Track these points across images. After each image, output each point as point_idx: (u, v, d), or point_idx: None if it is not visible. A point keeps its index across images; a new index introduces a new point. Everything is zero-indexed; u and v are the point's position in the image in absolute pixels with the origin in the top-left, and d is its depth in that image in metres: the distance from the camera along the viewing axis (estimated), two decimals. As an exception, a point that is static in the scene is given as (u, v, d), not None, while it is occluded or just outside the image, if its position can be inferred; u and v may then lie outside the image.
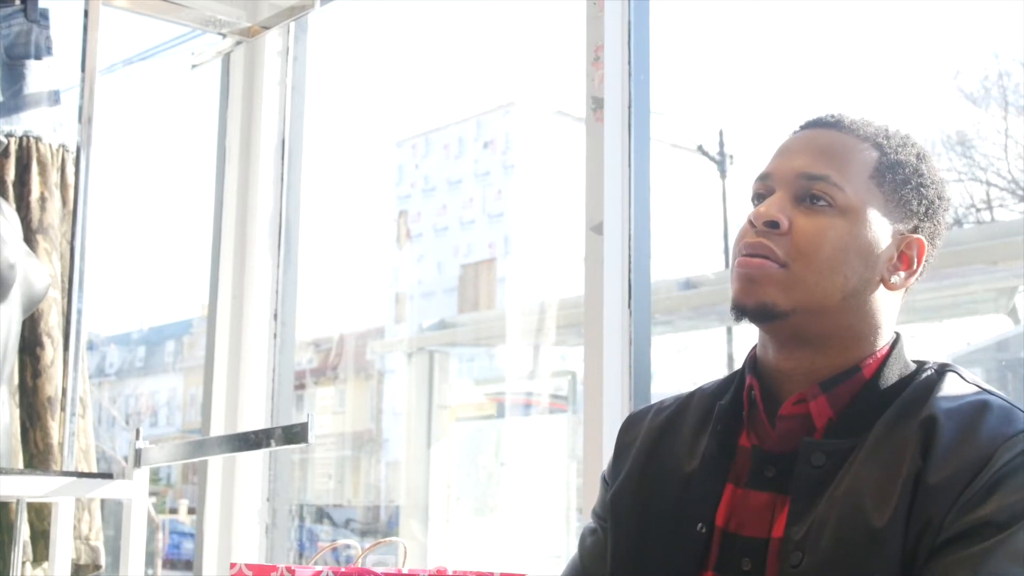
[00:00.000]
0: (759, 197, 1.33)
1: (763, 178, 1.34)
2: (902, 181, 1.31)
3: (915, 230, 1.32)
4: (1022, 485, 1.15)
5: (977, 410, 1.21)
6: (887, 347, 1.31)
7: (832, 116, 1.36)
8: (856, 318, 1.29)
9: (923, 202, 1.32)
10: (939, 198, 1.34)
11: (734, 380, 1.40)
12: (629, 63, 2.29)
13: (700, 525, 1.30)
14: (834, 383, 1.28)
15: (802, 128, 1.37)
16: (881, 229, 1.29)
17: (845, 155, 1.30)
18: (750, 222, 1.31)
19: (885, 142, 1.33)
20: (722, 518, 1.30)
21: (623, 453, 1.45)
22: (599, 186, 2.24)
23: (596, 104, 2.26)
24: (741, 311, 1.30)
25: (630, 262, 2.24)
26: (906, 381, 1.28)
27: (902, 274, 1.31)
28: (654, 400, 1.55)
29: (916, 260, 1.32)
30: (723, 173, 10.70)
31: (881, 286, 1.30)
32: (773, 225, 1.28)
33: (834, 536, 1.19)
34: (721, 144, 10.75)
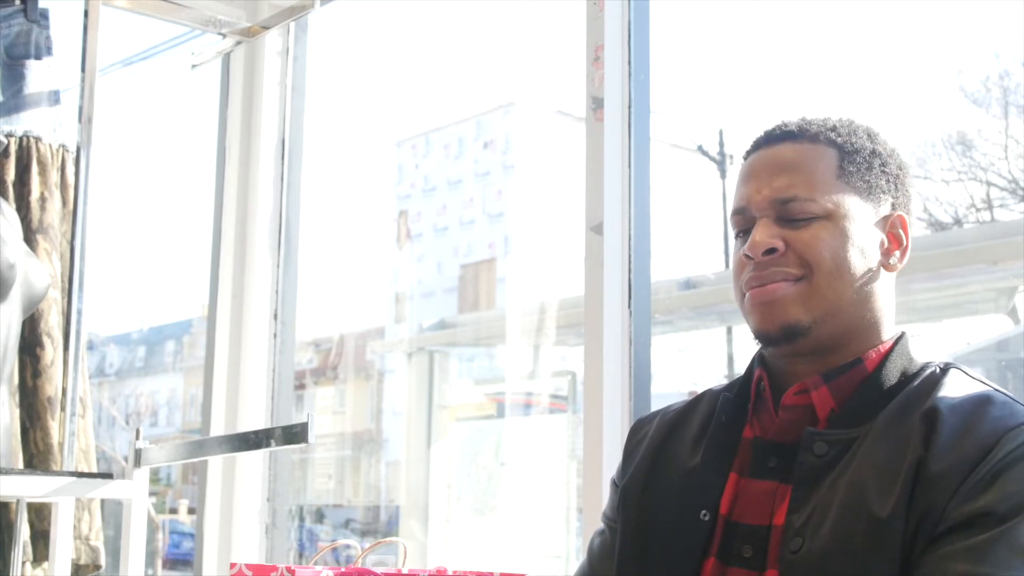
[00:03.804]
0: (743, 232, 1.36)
1: (739, 212, 1.37)
2: (866, 167, 1.35)
3: (893, 207, 1.36)
4: (1023, 476, 1.16)
5: (979, 403, 1.23)
6: (890, 342, 1.33)
7: (779, 128, 1.38)
8: (866, 308, 1.33)
9: (889, 179, 1.36)
10: (900, 168, 1.38)
11: (741, 379, 1.42)
12: (629, 63, 2.29)
13: (704, 513, 1.33)
14: (836, 374, 1.31)
15: (756, 148, 1.39)
16: (865, 219, 1.33)
17: (807, 165, 1.33)
18: (746, 256, 1.33)
19: (836, 136, 1.36)
20: (726, 506, 1.33)
21: (632, 454, 1.48)
22: (599, 186, 2.24)
23: (596, 104, 2.26)
24: (766, 338, 1.33)
25: (630, 262, 2.24)
26: (910, 378, 1.30)
27: (897, 253, 1.36)
28: (654, 400, 1.57)
29: (904, 236, 1.36)
30: (723, 173, 10.71)
31: (882, 270, 1.34)
32: (771, 251, 1.31)
33: (835, 523, 1.21)
34: (721, 144, 10.75)
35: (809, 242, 1.30)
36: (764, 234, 1.32)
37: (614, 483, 1.50)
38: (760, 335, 1.33)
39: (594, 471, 2.16)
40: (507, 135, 13.50)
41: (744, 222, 1.36)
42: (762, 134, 1.40)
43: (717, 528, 1.32)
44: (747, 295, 1.34)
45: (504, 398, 9.04)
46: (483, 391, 9.46)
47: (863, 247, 1.31)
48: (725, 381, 1.47)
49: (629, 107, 2.28)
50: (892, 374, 1.30)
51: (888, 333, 1.34)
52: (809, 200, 1.31)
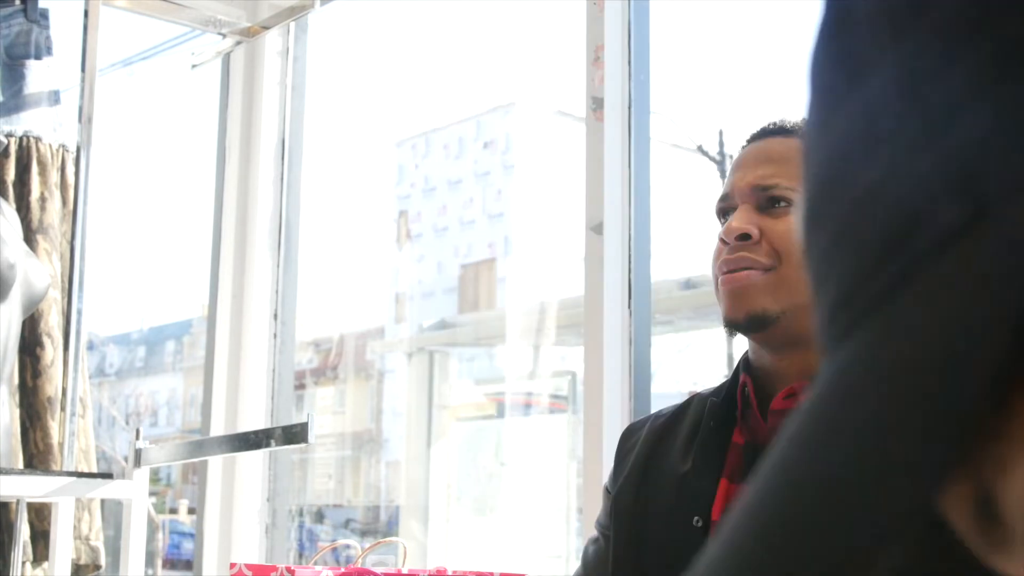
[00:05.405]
0: (724, 214, 1.38)
1: (723, 199, 1.38)
2: None
3: None
4: None
5: None
6: None
7: (773, 124, 1.40)
8: None
9: None
10: None
11: (728, 383, 1.42)
12: (629, 63, 2.29)
13: (696, 519, 1.33)
14: None
15: (749, 142, 1.41)
16: None
17: (793, 158, 1.34)
18: (722, 240, 1.35)
19: None
20: (718, 512, 1.33)
21: (623, 460, 1.48)
22: (599, 186, 2.24)
23: (596, 104, 2.26)
24: (734, 325, 1.34)
25: (630, 262, 2.24)
26: None
27: None
28: (654, 400, 1.57)
29: None
30: (723, 173, 10.70)
31: None
32: (745, 237, 1.32)
33: None
34: (721, 144, 10.76)
35: (783, 233, 1.31)
36: (741, 220, 1.33)
37: (607, 490, 1.51)
38: (728, 322, 1.34)
39: (594, 471, 2.15)
40: (507, 135, 13.50)
41: (726, 207, 1.37)
42: (757, 129, 1.42)
43: (710, 534, 1.32)
44: (719, 280, 1.35)
45: (504, 398, 9.04)
46: (483, 391, 9.47)
47: None
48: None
49: (629, 107, 2.28)
50: None
51: None
52: (790, 190, 1.32)
